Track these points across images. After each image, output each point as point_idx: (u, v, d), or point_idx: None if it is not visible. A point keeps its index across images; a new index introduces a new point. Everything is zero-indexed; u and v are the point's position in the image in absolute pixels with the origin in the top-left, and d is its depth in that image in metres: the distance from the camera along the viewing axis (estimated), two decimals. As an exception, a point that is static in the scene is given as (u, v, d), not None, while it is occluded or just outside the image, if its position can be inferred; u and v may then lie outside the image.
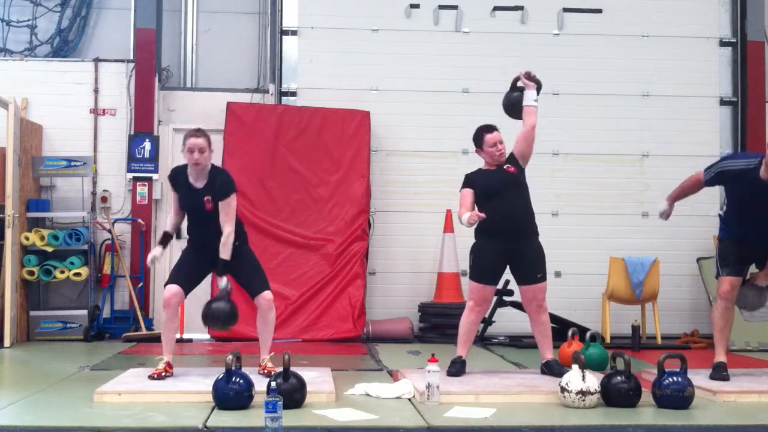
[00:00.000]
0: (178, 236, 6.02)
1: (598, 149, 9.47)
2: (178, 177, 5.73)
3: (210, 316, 5.56)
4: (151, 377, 5.41)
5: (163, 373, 5.46)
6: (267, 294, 5.65)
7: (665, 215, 6.26)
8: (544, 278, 5.86)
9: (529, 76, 6.06)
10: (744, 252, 5.87)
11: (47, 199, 8.94)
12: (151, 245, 9.01)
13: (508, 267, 5.97)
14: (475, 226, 5.85)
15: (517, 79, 6.17)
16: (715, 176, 5.90)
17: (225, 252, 5.54)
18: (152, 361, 6.13)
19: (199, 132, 5.63)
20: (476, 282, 5.88)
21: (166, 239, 5.81)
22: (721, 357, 5.78)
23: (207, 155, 5.60)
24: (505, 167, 5.93)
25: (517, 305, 8.02)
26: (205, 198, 5.58)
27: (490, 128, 5.97)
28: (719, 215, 6.19)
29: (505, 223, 5.76)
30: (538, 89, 6.12)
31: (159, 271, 9.11)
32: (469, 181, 5.98)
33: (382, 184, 9.30)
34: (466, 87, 9.46)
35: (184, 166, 5.71)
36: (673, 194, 6.24)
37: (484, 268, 5.88)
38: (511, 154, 5.99)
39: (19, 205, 8.17)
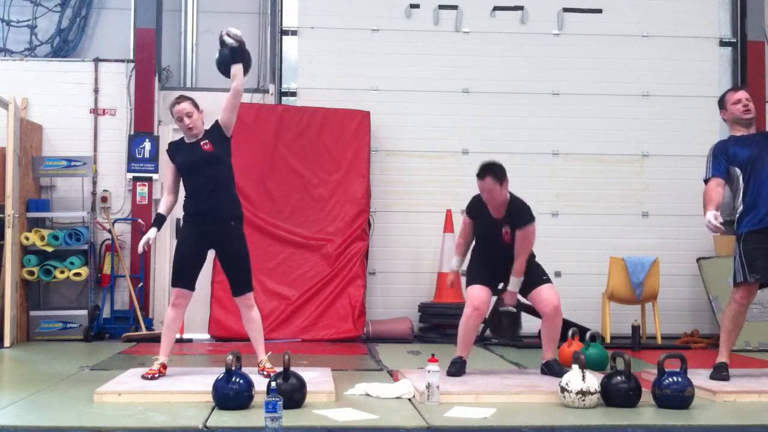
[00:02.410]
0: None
1: (598, 149, 9.47)
2: (174, 146, 5.76)
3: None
4: (144, 377, 5.40)
5: (157, 374, 5.46)
6: (248, 296, 5.66)
7: (716, 218, 5.51)
8: (549, 280, 5.88)
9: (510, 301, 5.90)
10: None
11: (47, 199, 8.94)
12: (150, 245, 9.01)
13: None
14: (473, 244, 6.10)
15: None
16: (713, 160, 5.78)
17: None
18: (152, 361, 6.12)
19: (181, 98, 5.68)
20: (474, 285, 5.90)
21: (160, 221, 5.75)
22: (723, 357, 5.75)
23: (196, 117, 5.62)
24: (503, 231, 5.82)
25: (522, 307, 8.02)
26: (203, 143, 5.57)
27: (483, 174, 5.74)
28: (736, 218, 5.84)
29: (497, 257, 5.89)
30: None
31: (159, 270, 9.13)
32: (474, 210, 5.97)
33: (382, 184, 9.30)
34: (466, 87, 9.46)
35: (181, 139, 5.76)
36: (710, 206, 5.60)
37: (480, 271, 5.94)
38: (516, 226, 5.80)
39: (19, 205, 8.17)
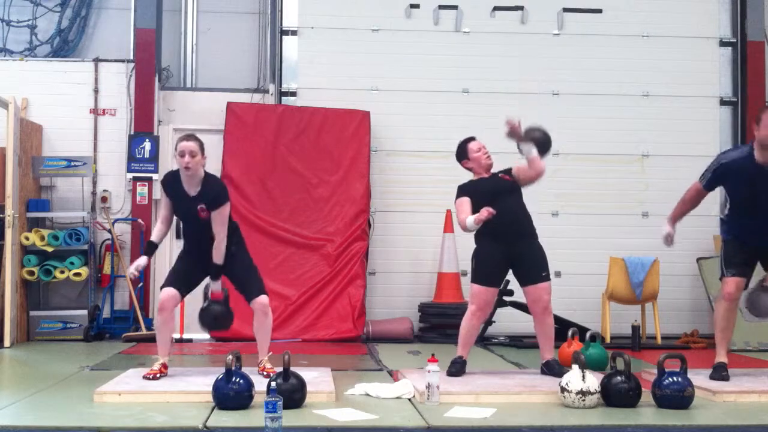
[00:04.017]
0: (177, 236, 6.01)
1: (598, 149, 9.47)
2: (171, 183, 5.67)
3: (204, 319, 5.62)
4: (146, 377, 5.41)
5: (158, 374, 5.47)
6: (262, 299, 5.64)
7: (669, 239, 6.00)
8: (548, 277, 5.86)
9: (515, 131, 5.84)
10: (748, 252, 5.81)
11: (47, 199, 8.94)
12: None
13: (510, 271, 5.99)
14: (475, 231, 5.86)
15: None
16: (713, 175, 5.84)
17: (218, 257, 5.55)
18: (152, 361, 6.13)
19: (190, 137, 5.57)
20: (479, 285, 5.86)
21: (151, 249, 5.79)
22: (722, 357, 5.77)
23: (198, 160, 5.50)
24: (499, 175, 5.95)
25: (517, 305, 8.03)
26: (199, 207, 5.53)
27: (470, 138, 6.06)
28: (721, 218, 6.12)
29: (504, 226, 5.76)
30: (541, 145, 5.94)
31: (159, 271, 9.11)
32: (464, 190, 5.97)
33: (382, 184, 9.30)
34: (466, 87, 9.46)
35: (177, 172, 5.64)
36: (674, 213, 6.04)
37: (486, 270, 5.87)
38: (509, 170, 5.99)
39: (19, 205, 8.17)
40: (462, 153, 6.05)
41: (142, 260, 5.75)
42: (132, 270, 5.76)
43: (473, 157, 5.98)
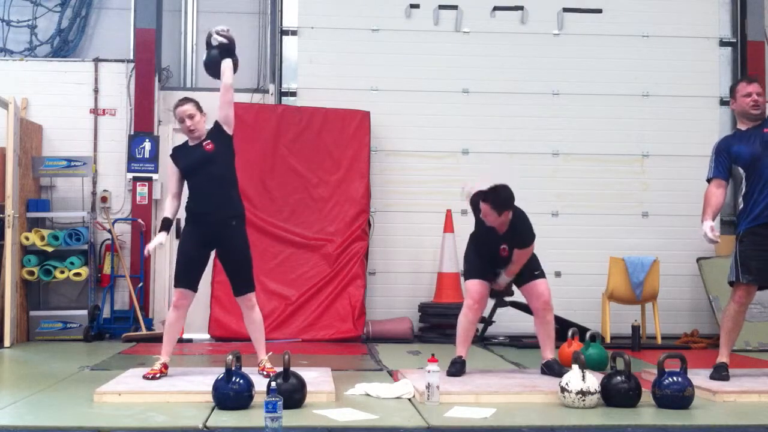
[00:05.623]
0: (177, 236, 6.02)
1: (598, 149, 9.47)
2: (178, 150, 5.80)
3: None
4: (145, 377, 5.41)
5: (158, 374, 5.46)
6: (250, 296, 5.66)
7: (712, 231, 5.60)
8: (542, 275, 5.88)
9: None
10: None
11: (47, 199, 8.94)
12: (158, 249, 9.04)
13: None
14: (470, 235, 6.06)
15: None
16: (716, 157, 5.79)
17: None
18: (152, 361, 6.12)
19: (184, 100, 5.72)
20: (471, 278, 5.93)
21: (167, 224, 5.70)
22: (723, 357, 5.75)
23: (199, 119, 5.66)
24: (501, 247, 5.80)
25: (517, 305, 8.02)
26: (205, 143, 5.61)
27: (484, 198, 5.63)
28: (736, 218, 5.89)
29: (495, 260, 5.88)
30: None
31: (159, 270, 9.13)
32: (476, 210, 5.85)
33: (382, 184, 9.30)
34: (466, 87, 9.46)
35: (183, 143, 5.80)
36: (707, 215, 5.69)
37: (476, 265, 5.95)
38: (511, 245, 5.82)
39: (19, 205, 8.17)
40: (475, 208, 5.84)
41: (162, 237, 5.63)
42: (149, 247, 5.67)
43: (483, 217, 5.76)
